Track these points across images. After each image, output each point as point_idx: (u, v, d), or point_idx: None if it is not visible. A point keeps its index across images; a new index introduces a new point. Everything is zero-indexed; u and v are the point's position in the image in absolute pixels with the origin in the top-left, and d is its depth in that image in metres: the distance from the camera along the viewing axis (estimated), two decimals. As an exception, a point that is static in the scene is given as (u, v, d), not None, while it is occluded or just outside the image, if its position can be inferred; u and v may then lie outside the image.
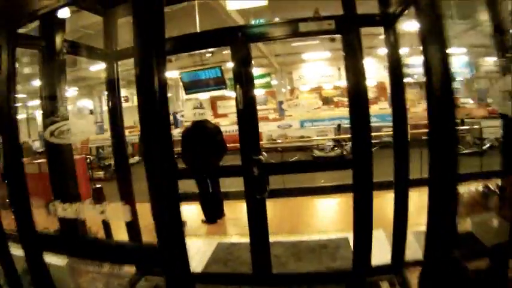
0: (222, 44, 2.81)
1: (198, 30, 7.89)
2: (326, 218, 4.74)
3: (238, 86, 2.45)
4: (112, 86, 2.84)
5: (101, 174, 8.80)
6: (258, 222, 2.59)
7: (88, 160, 7.26)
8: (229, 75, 3.29)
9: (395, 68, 2.43)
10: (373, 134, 2.45)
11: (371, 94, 22.70)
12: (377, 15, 2.40)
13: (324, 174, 5.47)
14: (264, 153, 2.55)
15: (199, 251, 3.48)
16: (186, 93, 8.68)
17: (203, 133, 4.53)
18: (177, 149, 4.70)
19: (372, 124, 2.37)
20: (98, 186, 3.67)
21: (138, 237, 2.75)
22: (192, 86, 8.27)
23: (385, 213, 2.65)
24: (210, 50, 13.30)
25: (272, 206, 2.86)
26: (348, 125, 2.44)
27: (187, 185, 4.53)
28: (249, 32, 2.60)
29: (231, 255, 3.38)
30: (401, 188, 2.52)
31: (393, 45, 2.40)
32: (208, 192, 4.61)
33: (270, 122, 16.05)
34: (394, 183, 2.53)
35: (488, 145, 10.24)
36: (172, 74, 13.39)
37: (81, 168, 6.46)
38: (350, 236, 2.71)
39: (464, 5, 10.49)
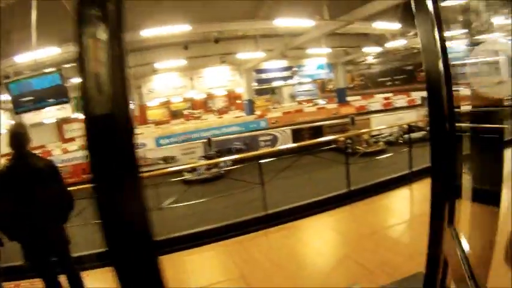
0: None
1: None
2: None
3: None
4: None
5: None
6: None
7: None
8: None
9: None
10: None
11: (222, 103, 23.42)
12: None
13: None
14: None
15: None
16: (17, 113, 6.11)
17: (26, 178, 2.30)
18: None
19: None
20: None
21: None
22: (23, 103, 5.91)
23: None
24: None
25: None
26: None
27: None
28: None
29: None
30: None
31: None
32: None
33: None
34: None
35: (384, 141, 10.56)
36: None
37: None
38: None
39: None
